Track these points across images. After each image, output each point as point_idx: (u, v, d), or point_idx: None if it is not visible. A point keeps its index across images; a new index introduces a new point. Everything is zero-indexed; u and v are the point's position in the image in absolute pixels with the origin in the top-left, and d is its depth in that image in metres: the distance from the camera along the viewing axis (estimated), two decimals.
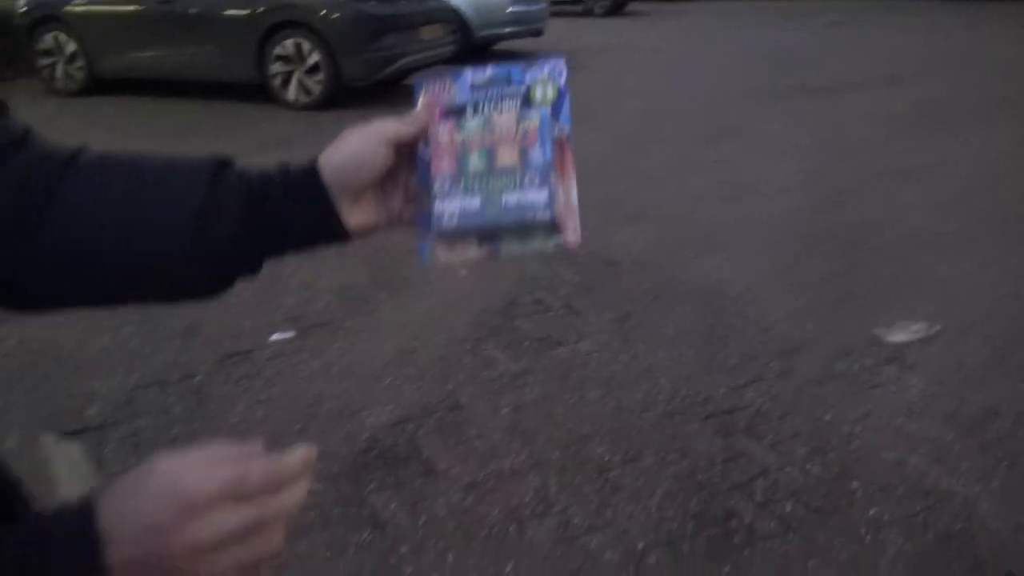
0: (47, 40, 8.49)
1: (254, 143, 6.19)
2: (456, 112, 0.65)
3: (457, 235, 0.64)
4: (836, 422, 2.60)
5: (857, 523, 2.15)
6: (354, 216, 0.66)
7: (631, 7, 18.65)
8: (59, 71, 8.56)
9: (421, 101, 0.67)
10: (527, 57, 10.77)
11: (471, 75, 0.66)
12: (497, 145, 0.64)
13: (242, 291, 2.61)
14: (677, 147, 6.22)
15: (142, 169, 0.65)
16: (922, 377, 2.84)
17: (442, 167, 0.64)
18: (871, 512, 2.18)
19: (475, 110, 0.65)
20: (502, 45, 11.35)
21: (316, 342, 3.17)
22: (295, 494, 0.51)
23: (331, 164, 0.66)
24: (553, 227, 0.65)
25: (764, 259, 3.98)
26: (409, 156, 0.67)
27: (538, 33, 11.54)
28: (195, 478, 0.47)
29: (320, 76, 7.46)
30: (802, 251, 4.08)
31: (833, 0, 20.96)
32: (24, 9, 8.65)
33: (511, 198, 0.63)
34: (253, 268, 0.67)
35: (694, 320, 3.34)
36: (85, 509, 0.46)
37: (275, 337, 3.21)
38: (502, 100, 0.65)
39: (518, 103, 0.65)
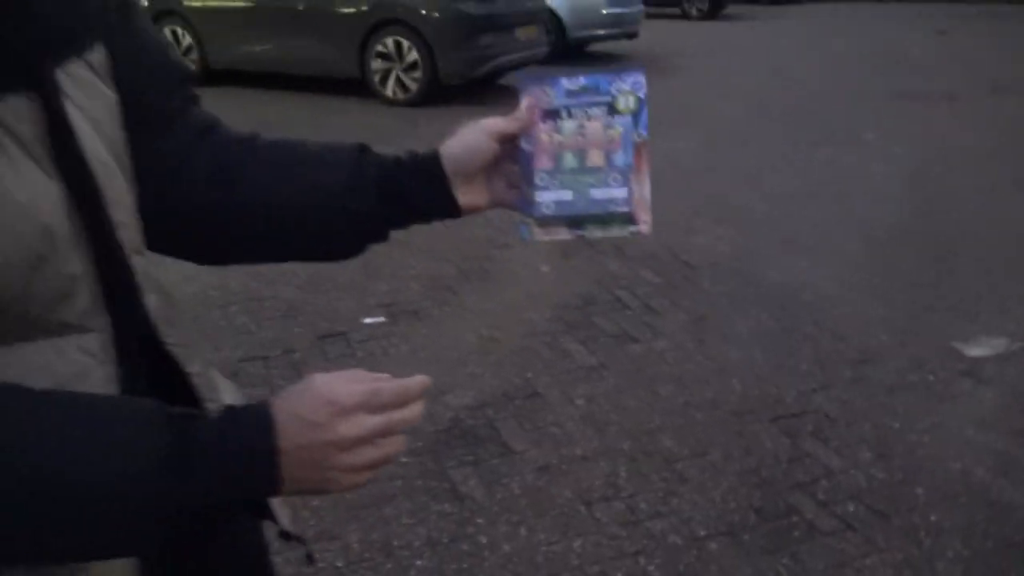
0: (165, 33, 9.02)
1: (353, 137, 6.45)
2: (553, 115, 0.79)
3: (552, 221, 0.79)
4: (904, 430, 2.64)
5: (917, 527, 2.21)
6: (465, 196, 0.81)
7: (728, 10, 18.41)
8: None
9: (523, 102, 0.80)
10: (622, 60, 10.85)
11: (566, 82, 0.79)
12: (587, 147, 0.78)
13: (338, 277, 2.88)
14: (772, 149, 6.22)
15: (304, 149, 0.83)
16: (996, 392, 2.85)
17: (542, 162, 0.78)
18: (932, 518, 2.24)
19: (569, 114, 0.78)
20: (597, 46, 11.44)
21: (405, 327, 3.38)
22: (414, 411, 0.67)
23: (449, 152, 0.81)
24: (630, 218, 0.78)
25: (847, 265, 4.00)
26: (512, 148, 0.81)
27: (633, 35, 11.56)
28: (343, 389, 0.63)
29: (418, 73, 7.73)
30: (888, 259, 4.08)
31: (940, 4, 20.24)
32: (146, 3, 9.22)
33: (597, 193, 0.77)
34: (382, 236, 0.84)
35: (769, 323, 3.41)
36: (262, 406, 0.63)
37: (367, 321, 3.43)
38: (591, 107, 0.78)
39: (605, 110, 0.78)
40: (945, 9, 18.93)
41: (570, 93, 0.78)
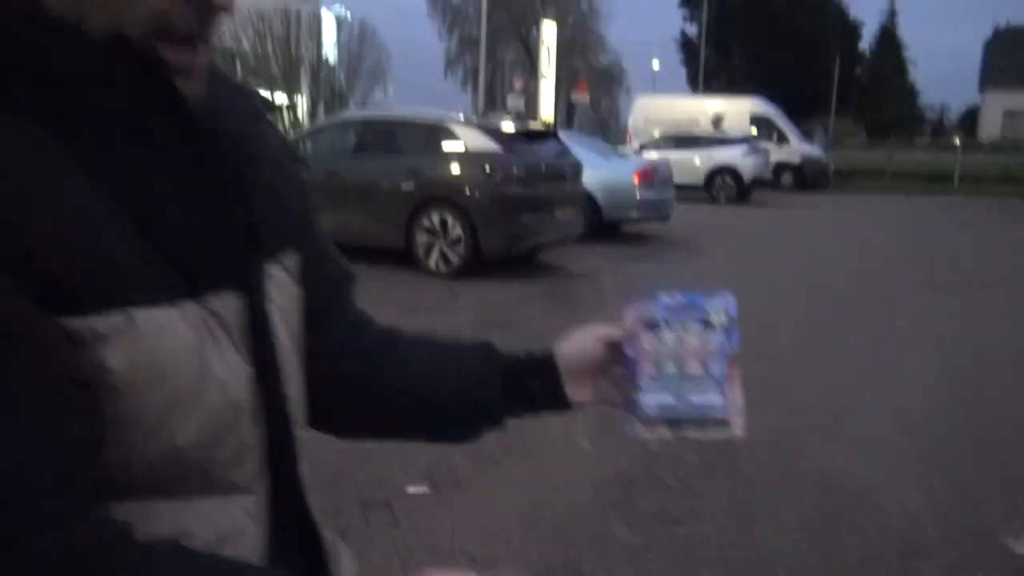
0: None
1: (397, 307, 6.72)
2: (654, 326, 0.88)
3: (654, 421, 0.88)
4: None
5: None
6: (575, 392, 0.90)
7: (755, 196, 19.18)
8: None
9: (628, 314, 0.90)
10: (655, 240, 11.23)
11: (666, 299, 0.89)
12: (687, 357, 0.87)
13: (382, 445, 2.94)
14: (804, 333, 6.34)
15: (438, 344, 0.96)
16: None
17: (646, 368, 0.88)
18: None
19: (669, 327, 0.88)
20: (631, 227, 11.90)
21: (448, 497, 3.40)
22: None
23: (562, 352, 0.90)
24: (726, 423, 0.87)
25: (889, 452, 4.00)
26: (616, 352, 0.90)
27: (665, 218, 12.06)
28: None
29: (461, 247, 8.09)
30: (930, 448, 4.07)
31: (963, 197, 20.94)
32: None
33: (696, 399, 0.86)
34: (500, 424, 0.94)
35: (814, 511, 3.39)
36: None
37: (411, 490, 3.46)
38: (688, 321, 0.88)
39: (700, 325, 0.88)
40: (969, 202, 19.56)
41: (669, 309, 0.89)
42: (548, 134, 9.70)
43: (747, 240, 12.02)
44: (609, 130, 38.02)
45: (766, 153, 19.87)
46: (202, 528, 0.68)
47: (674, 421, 0.87)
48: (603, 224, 10.92)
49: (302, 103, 14.91)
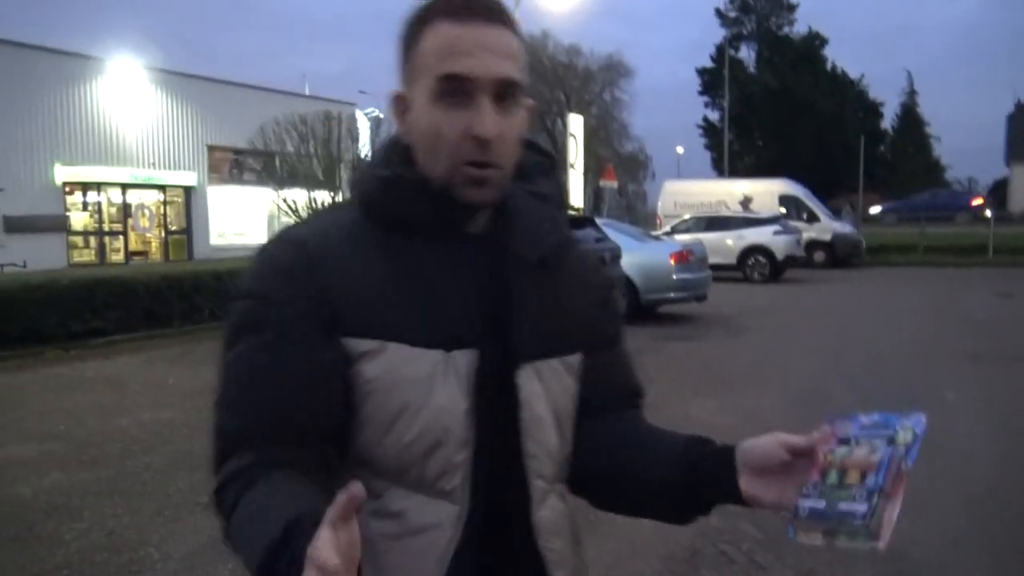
0: None
1: None
2: (845, 441, 0.92)
3: (809, 525, 0.90)
4: None
5: None
6: (749, 488, 0.94)
7: (789, 274, 19.27)
8: None
9: (824, 428, 0.94)
10: (691, 320, 11.32)
11: (863, 418, 0.93)
12: (849, 468, 0.87)
13: None
14: (852, 408, 6.25)
15: (651, 429, 1.11)
16: None
17: (813, 476, 0.92)
18: None
19: (857, 443, 0.88)
20: (668, 307, 12.03)
21: None
22: None
23: (744, 448, 0.95)
24: (872, 534, 0.83)
25: (951, 522, 4.00)
26: (801, 461, 0.91)
27: (702, 298, 12.19)
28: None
29: None
30: (991, 518, 4.07)
31: (999, 268, 20.82)
32: None
33: (843, 505, 0.87)
34: (704, 510, 1.02)
35: None
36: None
37: None
38: (875, 438, 0.87)
39: (885, 441, 0.87)
40: (1005, 272, 19.46)
41: (863, 426, 0.91)
42: (584, 220, 9.97)
43: (786, 317, 12.08)
44: (637, 214, 38.53)
45: (798, 231, 20.04)
46: (414, 515, 0.96)
47: (827, 527, 0.87)
48: (640, 306, 11.06)
49: (342, 200, 15.40)
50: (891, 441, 0.87)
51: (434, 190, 0.98)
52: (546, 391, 1.04)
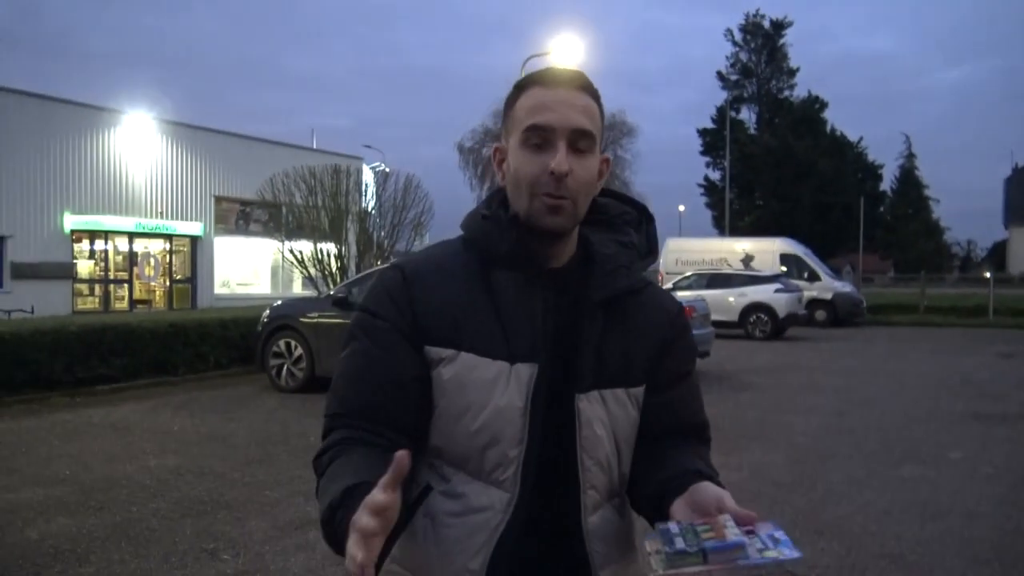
0: (280, 345, 9.98)
1: None
2: (749, 532, 0.98)
3: (658, 540, 1.01)
4: None
5: None
6: (675, 510, 1.10)
7: (790, 332, 19.31)
8: (284, 370, 9.92)
9: (752, 517, 1.01)
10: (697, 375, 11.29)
11: (780, 534, 0.98)
12: (715, 532, 0.98)
13: None
14: (856, 465, 6.36)
15: (682, 456, 1.24)
16: None
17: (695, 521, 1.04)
18: None
19: (749, 534, 0.99)
20: None
21: None
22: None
23: (698, 487, 1.10)
24: (670, 564, 0.96)
25: None
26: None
27: (705, 355, 12.22)
28: None
29: None
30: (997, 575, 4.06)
31: (998, 329, 20.87)
32: (265, 319, 10.31)
33: (679, 542, 0.98)
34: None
35: None
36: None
37: None
38: (763, 543, 0.97)
39: (758, 547, 0.96)
40: (1004, 334, 19.51)
41: (772, 536, 0.99)
42: None
43: (788, 375, 12.10)
44: None
45: (799, 290, 20.16)
46: (473, 498, 1.16)
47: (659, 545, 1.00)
48: None
49: (348, 251, 15.55)
50: (760, 550, 0.94)
51: (519, 228, 1.19)
52: (609, 416, 1.21)
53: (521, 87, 1.22)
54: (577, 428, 1.18)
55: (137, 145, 24.37)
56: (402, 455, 0.88)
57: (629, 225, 1.31)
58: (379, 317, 1.20)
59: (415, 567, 1.19)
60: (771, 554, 0.94)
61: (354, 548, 0.87)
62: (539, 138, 1.16)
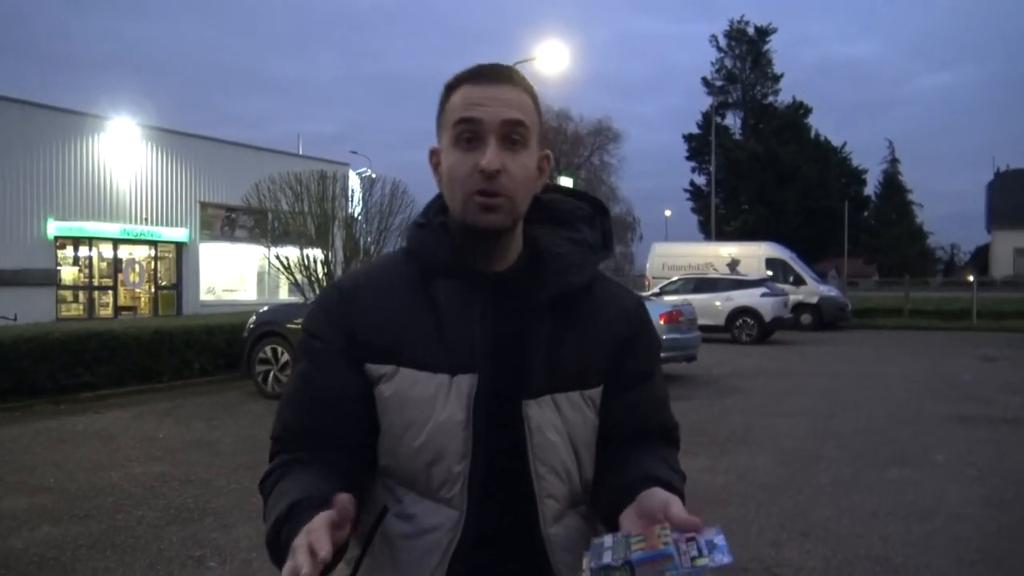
0: (266, 351, 9.94)
1: None
2: (690, 539, 0.95)
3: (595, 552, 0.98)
4: None
5: None
6: (623, 519, 1.06)
7: (776, 336, 19.39)
8: (271, 377, 9.88)
9: (698, 524, 0.96)
10: (683, 381, 11.36)
11: (720, 540, 0.95)
12: (646, 544, 0.95)
13: None
14: (843, 468, 6.39)
15: (641, 460, 1.19)
16: None
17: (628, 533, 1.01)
18: None
19: (684, 541, 0.95)
20: None
21: None
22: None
23: (647, 494, 1.06)
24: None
25: None
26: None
27: (692, 359, 12.26)
28: None
29: None
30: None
31: (983, 332, 21.04)
32: (252, 325, 10.26)
33: (606, 556, 0.96)
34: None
35: None
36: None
37: None
38: (692, 549, 0.94)
39: (687, 554, 0.93)
40: (989, 337, 19.67)
41: (710, 542, 0.96)
42: None
43: (775, 378, 12.15)
44: (625, 276, 38.83)
45: (785, 294, 20.26)
46: (423, 518, 1.13)
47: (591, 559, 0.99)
48: None
49: (335, 257, 15.50)
50: (693, 558, 0.92)
51: (457, 232, 1.16)
52: (564, 421, 1.16)
53: (452, 86, 1.17)
54: (528, 435, 1.13)
55: (122, 151, 24.20)
56: (344, 499, 0.91)
57: (582, 221, 1.26)
58: (316, 338, 1.18)
59: None
60: (702, 561, 0.92)
61: (288, 572, 0.86)
62: (469, 133, 1.12)
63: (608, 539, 0.99)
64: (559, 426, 1.15)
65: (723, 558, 0.92)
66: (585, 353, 1.18)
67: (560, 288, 1.17)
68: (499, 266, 1.18)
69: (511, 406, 1.13)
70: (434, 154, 1.20)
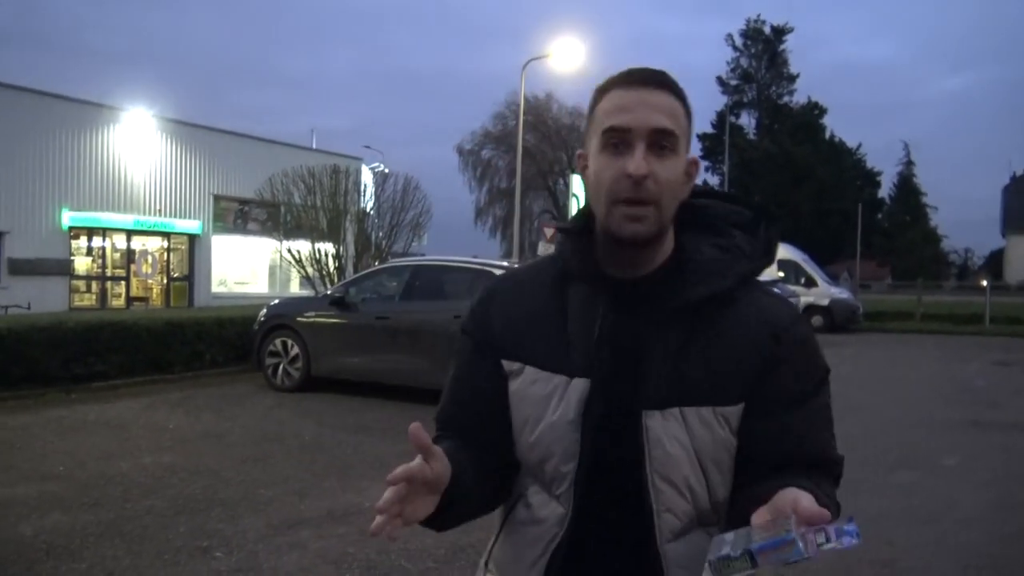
0: (276, 344, 9.98)
1: None
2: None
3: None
4: None
5: None
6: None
7: None
8: (281, 370, 9.92)
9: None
10: None
11: (849, 527, 0.91)
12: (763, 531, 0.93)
13: None
14: (850, 471, 6.21)
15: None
16: None
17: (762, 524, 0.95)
18: None
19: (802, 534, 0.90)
20: None
21: None
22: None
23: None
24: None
25: None
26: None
27: None
28: None
29: None
30: None
31: (996, 337, 20.89)
32: (262, 318, 10.31)
33: (726, 549, 0.92)
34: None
35: None
36: None
37: None
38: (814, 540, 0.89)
39: (803, 542, 0.89)
40: (1002, 342, 19.52)
41: (839, 529, 0.92)
42: None
43: None
44: None
45: (796, 296, 20.16)
46: (537, 509, 1.19)
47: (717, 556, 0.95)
48: None
49: (346, 251, 15.56)
50: (820, 545, 0.89)
51: (597, 238, 1.18)
52: (691, 435, 1.11)
53: (602, 90, 1.16)
54: (646, 447, 1.11)
55: (136, 142, 24.35)
56: (414, 427, 0.98)
57: (739, 227, 1.21)
58: (465, 333, 1.28)
59: (498, 566, 1.25)
60: (829, 546, 0.89)
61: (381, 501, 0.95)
62: (617, 139, 1.11)
63: (731, 535, 0.95)
64: (684, 440, 1.11)
65: (852, 540, 0.89)
66: (718, 367, 1.12)
67: (691, 296, 1.13)
68: (642, 271, 1.17)
69: (631, 415, 1.12)
70: (581, 158, 1.21)
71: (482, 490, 1.18)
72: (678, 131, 1.12)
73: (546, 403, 1.15)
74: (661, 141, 1.10)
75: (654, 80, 1.13)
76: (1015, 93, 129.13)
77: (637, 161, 1.08)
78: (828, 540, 0.89)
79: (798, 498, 0.93)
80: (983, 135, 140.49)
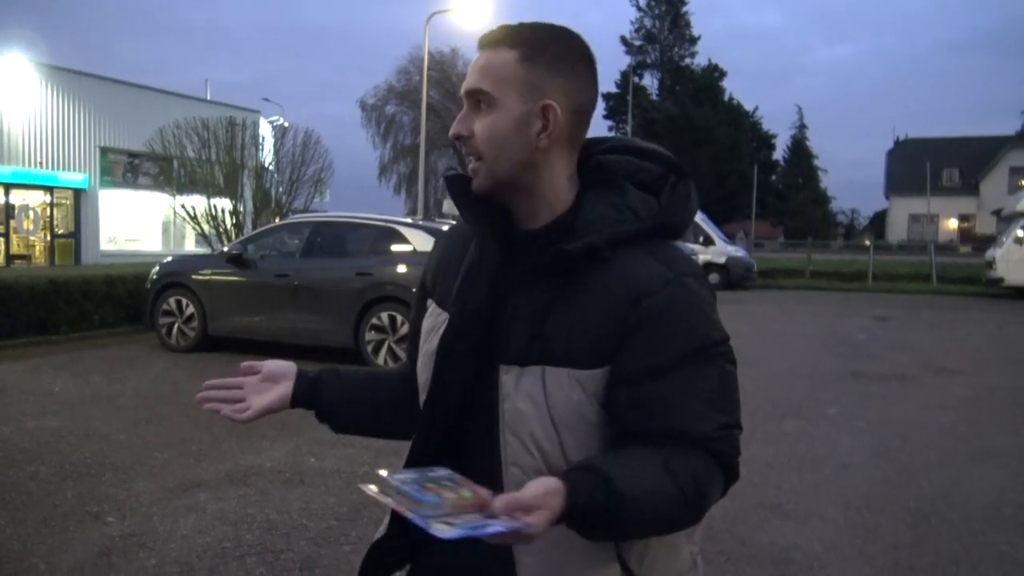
0: (170, 303, 9.62)
1: None
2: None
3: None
4: None
5: None
6: None
7: None
8: (175, 329, 9.58)
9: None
10: None
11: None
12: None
13: (350, 531, 3.08)
14: (745, 421, 6.58)
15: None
16: None
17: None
18: None
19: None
20: None
21: None
22: None
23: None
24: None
25: (832, 528, 4.26)
26: None
27: None
28: None
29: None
30: (867, 523, 4.35)
31: (879, 294, 22.08)
32: (155, 276, 9.91)
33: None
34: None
35: None
36: None
37: None
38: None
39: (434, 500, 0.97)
40: (882, 298, 20.64)
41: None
42: None
43: None
44: None
45: (695, 254, 20.75)
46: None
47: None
48: None
49: (244, 208, 15.07)
50: (451, 524, 0.91)
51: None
52: (547, 396, 1.09)
53: None
54: (500, 400, 1.12)
55: (13, 89, 22.79)
56: (244, 366, 1.37)
57: (643, 186, 1.18)
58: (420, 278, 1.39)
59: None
60: (452, 531, 0.90)
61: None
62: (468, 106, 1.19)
63: (415, 472, 1.03)
64: (538, 399, 1.09)
65: (452, 533, 0.89)
66: (576, 330, 1.09)
67: (560, 252, 1.09)
68: (529, 225, 1.19)
69: (492, 367, 1.15)
70: None
71: (395, 411, 1.36)
72: (491, 88, 1.13)
73: (429, 336, 1.24)
74: (477, 99, 1.15)
75: (486, 41, 1.17)
76: (898, 62, 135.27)
77: (455, 123, 1.17)
78: (479, 527, 0.91)
79: (530, 484, 0.97)
80: (869, 101, 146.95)
